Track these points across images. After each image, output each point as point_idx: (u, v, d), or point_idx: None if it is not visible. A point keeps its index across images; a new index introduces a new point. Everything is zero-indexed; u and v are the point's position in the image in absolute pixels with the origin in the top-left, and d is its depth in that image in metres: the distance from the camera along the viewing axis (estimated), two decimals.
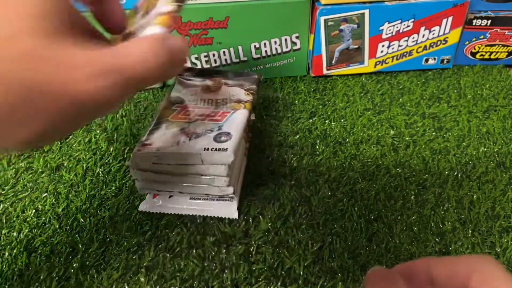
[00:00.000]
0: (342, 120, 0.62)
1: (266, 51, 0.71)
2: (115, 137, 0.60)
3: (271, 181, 0.51)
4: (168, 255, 0.43)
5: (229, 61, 0.72)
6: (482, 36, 0.74)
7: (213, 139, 0.44)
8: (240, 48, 0.70)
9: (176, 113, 0.50)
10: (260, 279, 0.40)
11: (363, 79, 0.73)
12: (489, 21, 0.72)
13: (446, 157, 0.55)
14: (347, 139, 0.58)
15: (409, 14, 0.69)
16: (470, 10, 0.71)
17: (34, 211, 0.48)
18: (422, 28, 0.70)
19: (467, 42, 0.75)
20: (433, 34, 0.71)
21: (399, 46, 0.72)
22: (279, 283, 0.40)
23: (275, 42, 0.71)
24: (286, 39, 0.71)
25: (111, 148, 0.57)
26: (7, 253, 0.43)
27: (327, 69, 0.73)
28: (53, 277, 0.41)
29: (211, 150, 0.43)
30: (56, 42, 0.17)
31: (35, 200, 0.50)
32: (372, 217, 0.46)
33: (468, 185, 0.50)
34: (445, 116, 0.63)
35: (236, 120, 0.48)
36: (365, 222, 0.46)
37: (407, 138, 0.58)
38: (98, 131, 0.61)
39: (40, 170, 0.54)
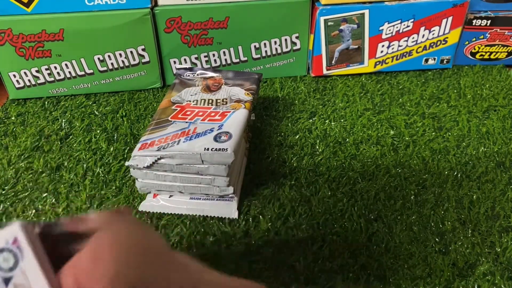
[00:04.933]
0: (342, 120, 0.62)
1: (266, 51, 0.71)
2: (115, 137, 0.60)
3: (271, 181, 0.51)
4: None
5: (229, 61, 0.72)
6: (482, 36, 0.74)
7: (213, 138, 0.44)
8: (240, 48, 0.70)
9: (176, 113, 0.50)
10: (260, 279, 0.40)
11: (363, 79, 0.73)
12: (489, 21, 0.72)
13: (446, 157, 0.55)
14: (347, 139, 0.58)
15: (409, 14, 0.69)
16: (470, 10, 0.71)
17: (34, 211, 0.48)
18: (422, 28, 0.70)
19: (467, 42, 0.75)
20: (433, 34, 0.71)
21: (399, 46, 0.72)
22: (279, 283, 0.40)
23: (275, 42, 0.71)
24: (286, 39, 0.71)
25: (111, 148, 0.57)
26: None
27: (327, 69, 0.73)
28: None
29: (211, 150, 0.43)
30: None
31: (35, 200, 0.50)
32: (372, 217, 0.46)
33: (468, 185, 0.50)
34: (445, 116, 0.63)
35: (236, 120, 0.48)
36: (365, 222, 0.46)
37: (407, 138, 0.58)
38: (98, 131, 0.61)
39: (40, 170, 0.54)
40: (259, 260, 0.42)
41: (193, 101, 0.52)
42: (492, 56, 0.76)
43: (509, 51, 0.75)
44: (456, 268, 0.41)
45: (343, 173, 0.52)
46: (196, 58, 0.70)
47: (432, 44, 0.72)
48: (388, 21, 0.69)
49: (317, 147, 0.57)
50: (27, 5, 0.62)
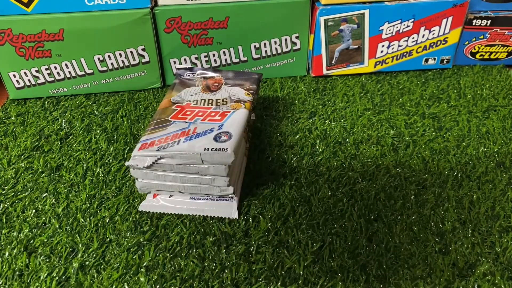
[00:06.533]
0: (342, 120, 0.62)
1: (266, 51, 0.71)
2: (115, 137, 0.60)
3: (271, 181, 0.51)
4: (168, 255, 0.43)
5: (229, 61, 0.72)
6: (482, 36, 0.74)
7: (213, 138, 0.44)
8: (240, 48, 0.70)
9: (176, 113, 0.50)
10: (260, 279, 0.40)
11: (363, 79, 0.73)
12: (489, 21, 0.72)
13: (446, 157, 0.55)
14: (347, 139, 0.58)
15: (409, 14, 0.69)
16: (470, 10, 0.71)
17: (34, 211, 0.48)
18: (422, 28, 0.70)
19: (467, 42, 0.75)
20: (433, 34, 0.71)
21: (399, 46, 0.72)
22: (279, 283, 0.40)
23: (275, 42, 0.71)
24: (286, 39, 0.71)
25: (111, 148, 0.57)
26: (7, 253, 0.43)
27: (327, 69, 0.73)
28: (53, 277, 0.41)
29: (211, 150, 0.43)
30: None
31: (35, 200, 0.50)
32: (372, 217, 0.46)
33: (468, 185, 0.50)
34: (445, 116, 0.63)
35: (236, 120, 0.48)
36: (365, 222, 0.46)
37: (407, 138, 0.58)
38: (98, 131, 0.61)
39: (40, 170, 0.54)
40: (259, 260, 0.42)
41: (193, 101, 0.52)
42: (492, 56, 0.76)
43: (509, 51, 0.75)
44: (456, 268, 0.41)
45: (343, 173, 0.52)
46: (196, 58, 0.70)
47: (432, 44, 0.72)
48: (388, 21, 0.69)
49: (317, 147, 0.57)
50: (27, 5, 0.62)
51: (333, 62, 0.72)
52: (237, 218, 0.46)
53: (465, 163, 0.54)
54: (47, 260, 0.43)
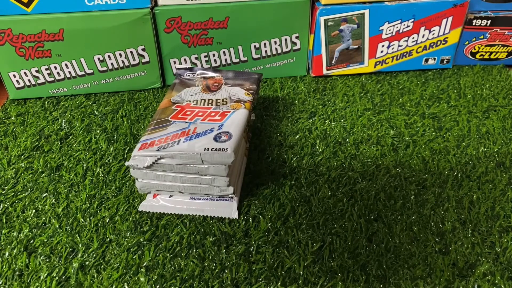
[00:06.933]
0: (342, 120, 0.62)
1: (266, 51, 0.71)
2: (115, 137, 0.60)
3: (271, 181, 0.51)
4: (168, 255, 0.43)
5: (229, 61, 0.72)
6: (482, 36, 0.74)
7: (213, 138, 0.44)
8: (240, 48, 0.70)
9: (176, 113, 0.50)
10: (260, 279, 0.40)
11: (363, 79, 0.73)
12: (489, 21, 0.72)
13: (446, 157, 0.55)
14: (347, 139, 0.58)
15: (409, 14, 0.69)
16: (470, 10, 0.71)
17: (34, 211, 0.48)
18: (422, 28, 0.70)
19: (467, 42, 0.75)
20: (433, 34, 0.71)
21: (399, 46, 0.72)
22: (279, 283, 0.40)
23: (275, 42, 0.71)
24: (286, 39, 0.71)
25: (111, 148, 0.57)
26: (7, 253, 0.43)
27: (327, 69, 0.73)
28: (53, 277, 0.41)
29: (211, 150, 0.43)
30: None
31: (35, 200, 0.50)
32: (372, 217, 0.46)
33: (468, 185, 0.50)
34: (445, 116, 0.63)
35: (236, 120, 0.48)
36: (365, 222, 0.46)
37: (407, 138, 0.58)
38: (98, 131, 0.61)
39: (40, 170, 0.54)
40: (259, 260, 0.42)
41: (193, 101, 0.52)
42: (492, 56, 0.76)
43: (509, 51, 0.75)
44: (456, 268, 0.41)
45: (343, 173, 0.52)
46: (196, 58, 0.70)
47: (432, 44, 0.72)
48: (388, 21, 0.69)
49: (317, 147, 0.57)
50: (27, 5, 0.62)
51: (333, 62, 0.72)
52: (237, 218, 0.46)
53: (465, 163, 0.54)
54: (47, 260, 0.43)
